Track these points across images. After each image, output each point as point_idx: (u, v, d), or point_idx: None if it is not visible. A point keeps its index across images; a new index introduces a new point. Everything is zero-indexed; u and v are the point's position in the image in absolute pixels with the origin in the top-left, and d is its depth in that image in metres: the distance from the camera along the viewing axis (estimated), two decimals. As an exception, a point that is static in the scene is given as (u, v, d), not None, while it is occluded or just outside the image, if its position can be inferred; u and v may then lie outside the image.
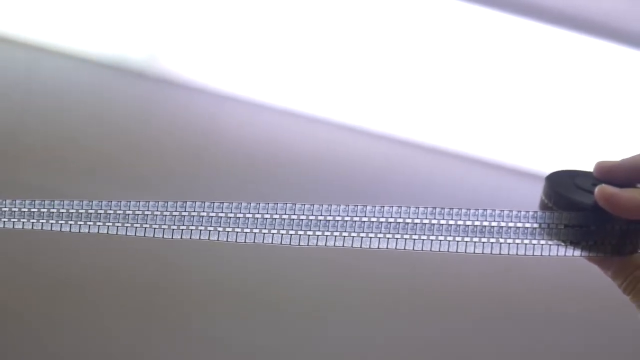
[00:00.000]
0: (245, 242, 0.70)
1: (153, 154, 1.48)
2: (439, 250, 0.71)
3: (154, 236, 0.70)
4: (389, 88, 1.48)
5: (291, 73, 1.48)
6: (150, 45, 1.50)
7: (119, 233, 0.70)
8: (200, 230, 0.70)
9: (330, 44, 1.47)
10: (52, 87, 1.50)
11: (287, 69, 1.48)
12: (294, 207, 0.70)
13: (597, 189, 0.68)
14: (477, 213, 0.71)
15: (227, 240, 0.70)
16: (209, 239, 0.70)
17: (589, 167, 0.72)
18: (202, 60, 1.49)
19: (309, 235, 0.71)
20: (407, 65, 1.47)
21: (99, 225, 0.70)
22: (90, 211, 0.70)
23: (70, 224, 0.70)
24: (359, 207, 0.71)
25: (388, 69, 1.47)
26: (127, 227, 0.70)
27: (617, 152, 0.73)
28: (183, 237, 0.70)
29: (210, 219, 0.70)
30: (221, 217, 0.70)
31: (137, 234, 0.70)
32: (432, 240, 0.71)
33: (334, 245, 0.71)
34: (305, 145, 1.48)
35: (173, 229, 0.70)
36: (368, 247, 0.71)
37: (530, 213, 0.70)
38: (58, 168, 1.47)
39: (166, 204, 0.70)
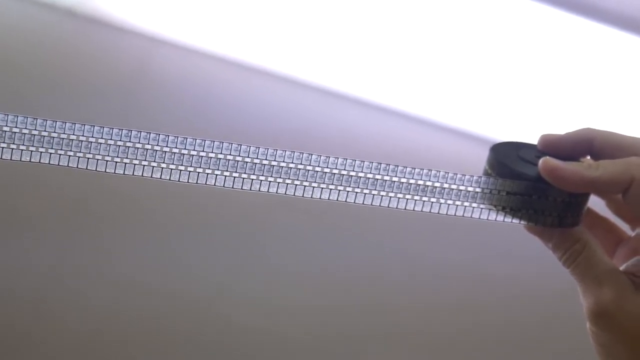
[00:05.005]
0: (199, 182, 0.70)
1: (80, 94, 1.46)
2: (379, 205, 0.72)
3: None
4: (335, 40, 1.48)
5: (227, 19, 1.47)
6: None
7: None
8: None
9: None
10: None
11: (223, 15, 1.47)
12: (238, 147, 0.70)
13: (541, 161, 0.69)
14: (421, 172, 0.71)
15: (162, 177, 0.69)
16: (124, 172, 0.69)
17: (534, 140, 0.74)
18: (134, 1, 1.47)
19: (252, 179, 0.71)
20: (356, 20, 1.47)
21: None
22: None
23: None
24: (304, 155, 0.71)
25: (333, 21, 1.47)
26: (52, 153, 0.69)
27: (563, 126, 0.74)
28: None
29: (136, 151, 0.69)
30: (148, 149, 0.69)
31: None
32: (373, 194, 0.72)
33: (277, 192, 0.71)
34: (240, 94, 1.48)
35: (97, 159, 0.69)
36: (310, 196, 0.71)
37: (475, 177, 0.71)
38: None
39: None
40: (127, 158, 0.69)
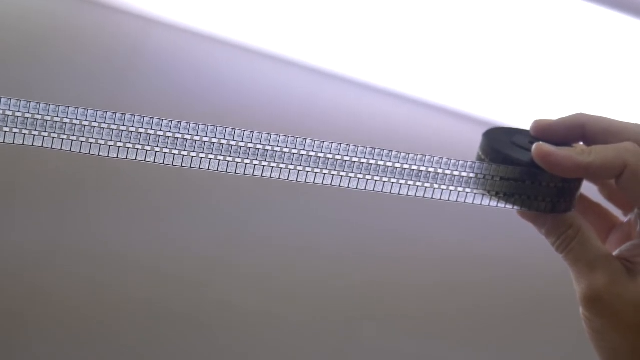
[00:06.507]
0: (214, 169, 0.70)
1: (72, 76, 1.46)
2: (373, 190, 0.72)
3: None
4: (329, 21, 1.47)
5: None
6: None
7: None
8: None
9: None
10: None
11: None
12: (233, 132, 0.70)
13: (534, 147, 0.69)
14: (415, 158, 0.72)
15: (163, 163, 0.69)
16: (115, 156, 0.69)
17: (527, 125, 0.74)
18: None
19: (245, 163, 0.71)
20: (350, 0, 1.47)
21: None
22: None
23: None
24: (298, 139, 0.71)
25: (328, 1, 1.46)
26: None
27: (556, 110, 0.74)
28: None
29: (129, 135, 0.69)
30: (151, 134, 0.69)
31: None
32: (367, 179, 0.72)
33: (270, 176, 0.71)
34: (234, 75, 1.48)
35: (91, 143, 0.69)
36: (304, 180, 0.71)
37: (468, 163, 0.71)
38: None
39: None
40: (120, 141, 0.69)
